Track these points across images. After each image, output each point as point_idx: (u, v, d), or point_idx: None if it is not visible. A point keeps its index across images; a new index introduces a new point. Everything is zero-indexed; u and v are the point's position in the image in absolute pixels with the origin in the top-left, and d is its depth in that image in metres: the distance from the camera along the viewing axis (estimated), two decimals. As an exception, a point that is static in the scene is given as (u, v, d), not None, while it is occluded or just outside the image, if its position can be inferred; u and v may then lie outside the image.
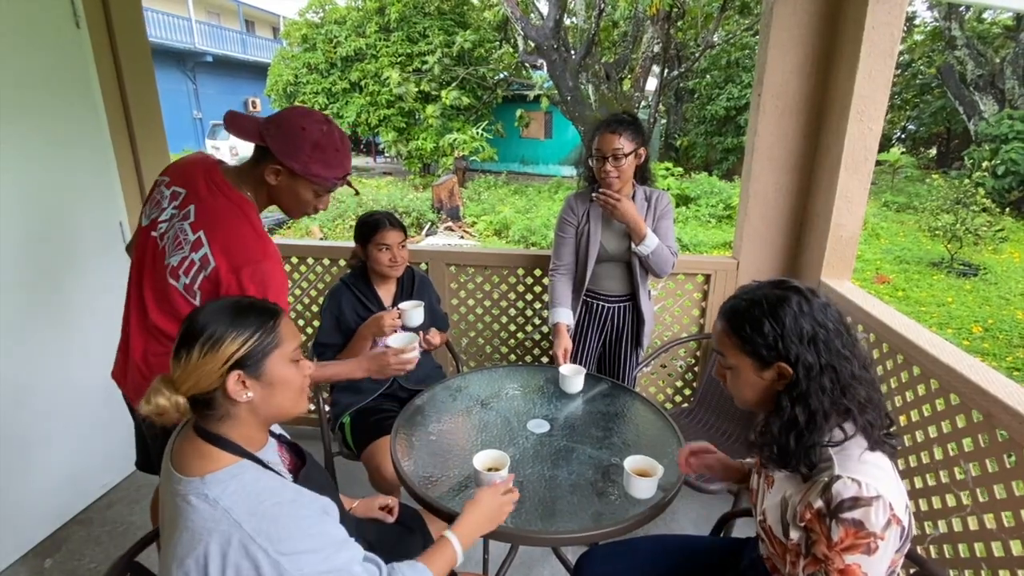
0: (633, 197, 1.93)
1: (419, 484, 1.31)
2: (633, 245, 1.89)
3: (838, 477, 0.86)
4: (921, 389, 1.48)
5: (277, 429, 1.10)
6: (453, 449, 1.47)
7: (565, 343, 1.89)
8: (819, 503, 0.86)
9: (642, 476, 1.24)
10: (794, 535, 0.93)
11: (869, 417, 0.92)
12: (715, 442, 2.13)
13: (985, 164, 9.27)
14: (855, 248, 1.94)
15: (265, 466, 0.91)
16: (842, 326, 0.93)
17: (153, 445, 1.46)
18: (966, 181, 7.80)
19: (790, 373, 0.92)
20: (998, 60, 11.90)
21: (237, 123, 1.29)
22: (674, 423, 1.58)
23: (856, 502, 0.83)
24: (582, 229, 1.96)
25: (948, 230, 7.32)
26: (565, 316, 1.95)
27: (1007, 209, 8.74)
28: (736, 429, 2.17)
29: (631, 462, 1.28)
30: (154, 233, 1.34)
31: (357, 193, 1.54)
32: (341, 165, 1.34)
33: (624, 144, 1.81)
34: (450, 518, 1.22)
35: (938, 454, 1.40)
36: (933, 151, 17.97)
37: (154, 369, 1.36)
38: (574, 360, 2.11)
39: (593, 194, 1.87)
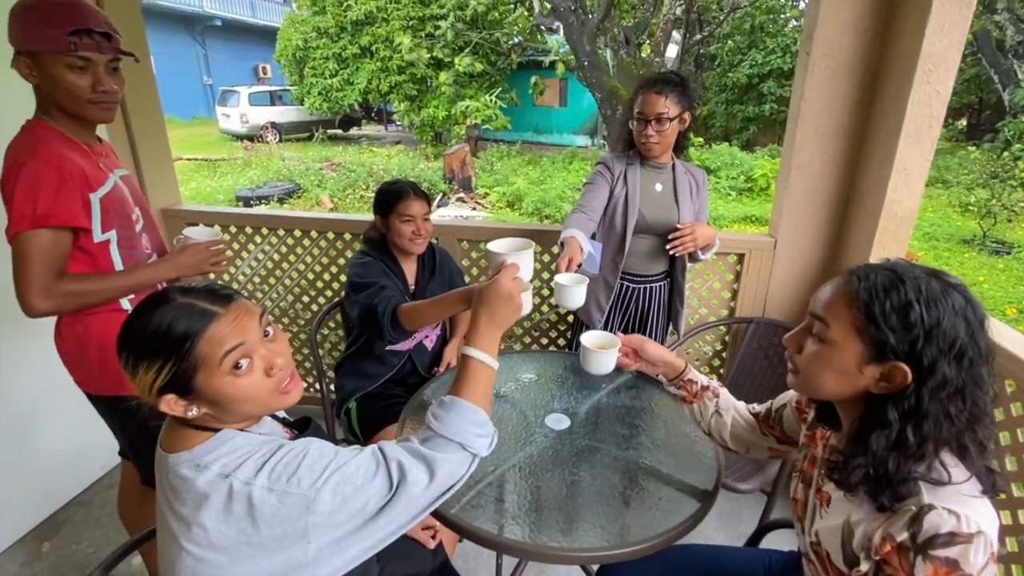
0: (673, 169, 1.76)
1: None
2: (700, 254, 1.77)
3: (931, 507, 0.71)
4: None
5: (280, 413, 0.98)
6: (464, 447, 1.34)
7: (571, 253, 1.56)
8: (903, 535, 0.72)
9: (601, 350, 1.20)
10: (864, 567, 0.78)
11: (988, 463, 0.76)
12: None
13: (1027, 136, 8.80)
14: (911, 228, 1.75)
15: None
16: (991, 354, 0.76)
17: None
18: (1004, 154, 7.41)
19: (907, 380, 0.75)
20: (1039, 25, 11.24)
21: None
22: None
23: (953, 538, 0.69)
24: (618, 193, 1.78)
25: (983, 205, 6.98)
26: (578, 234, 1.65)
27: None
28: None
29: (589, 338, 1.22)
30: None
31: (138, 60, 1.33)
32: (70, 17, 1.14)
33: (669, 107, 1.64)
34: (460, 530, 1.10)
35: (1011, 464, 1.24)
36: (963, 122, 17.25)
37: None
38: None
39: (669, 249, 1.72)
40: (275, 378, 0.80)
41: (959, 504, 0.71)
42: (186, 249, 1.40)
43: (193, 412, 0.77)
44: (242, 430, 0.82)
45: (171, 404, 0.76)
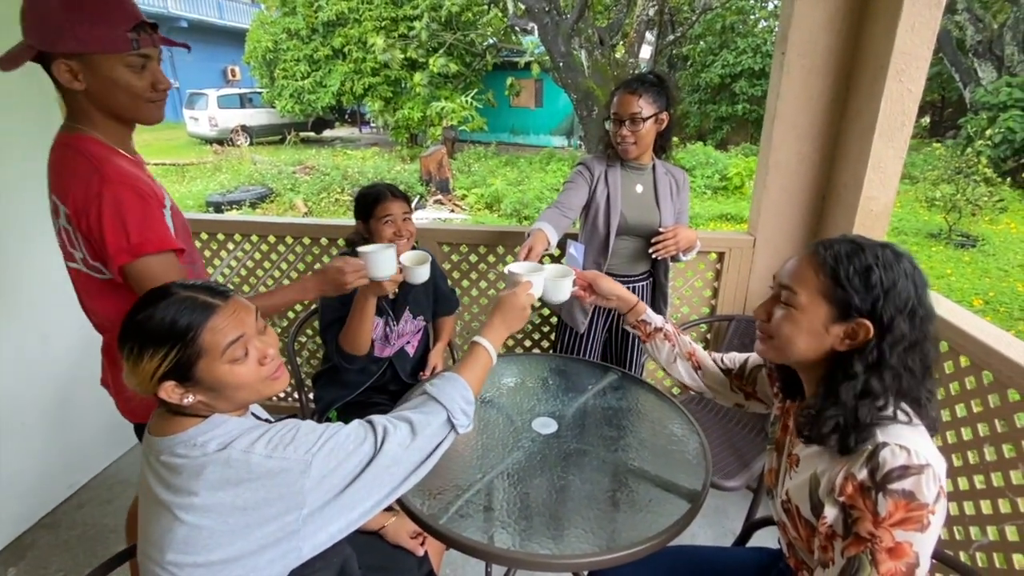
0: (653, 170, 1.75)
1: (412, 497, 1.15)
2: (682, 255, 1.79)
3: (884, 444, 0.79)
4: (970, 382, 1.34)
5: (263, 414, 1.03)
6: (451, 455, 1.30)
7: (532, 243, 1.55)
8: (863, 473, 0.79)
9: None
10: (829, 513, 0.83)
11: (935, 413, 0.85)
12: (729, 431, 2.01)
13: (988, 132, 9.09)
14: (887, 224, 1.78)
15: None
16: (934, 316, 0.86)
17: None
18: (968, 150, 7.64)
19: (870, 335, 0.83)
20: (996, 26, 11.63)
21: (8, 57, 1.03)
22: (691, 416, 1.43)
23: (906, 471, 0.76)
24: (599, 195, 1.77)
25: (948, 200, 7.18)
26: (547, 227, 1.65)
27: (1006, 179, 8.61)
28: (751, 416, 2.04)
29: (549, 271, 1.29)
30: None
31: (189, 49, 1.24)
32: (124, 13, 1.03)
33: (643, 107, 1.63)
34: (449, 541, 1.07)
35: (990, 454, 1.26)
36: (926, 119, 17.77)
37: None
38: (577, 352, 1.95)
39: (652, 253, 1.74)
40: (267, 367, 0.87)
41: (908, 441, 0.79)
42: (327, 269, 1.34)
43: (189, 399, 0.81)
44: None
45: (169, 391, 0.80)
